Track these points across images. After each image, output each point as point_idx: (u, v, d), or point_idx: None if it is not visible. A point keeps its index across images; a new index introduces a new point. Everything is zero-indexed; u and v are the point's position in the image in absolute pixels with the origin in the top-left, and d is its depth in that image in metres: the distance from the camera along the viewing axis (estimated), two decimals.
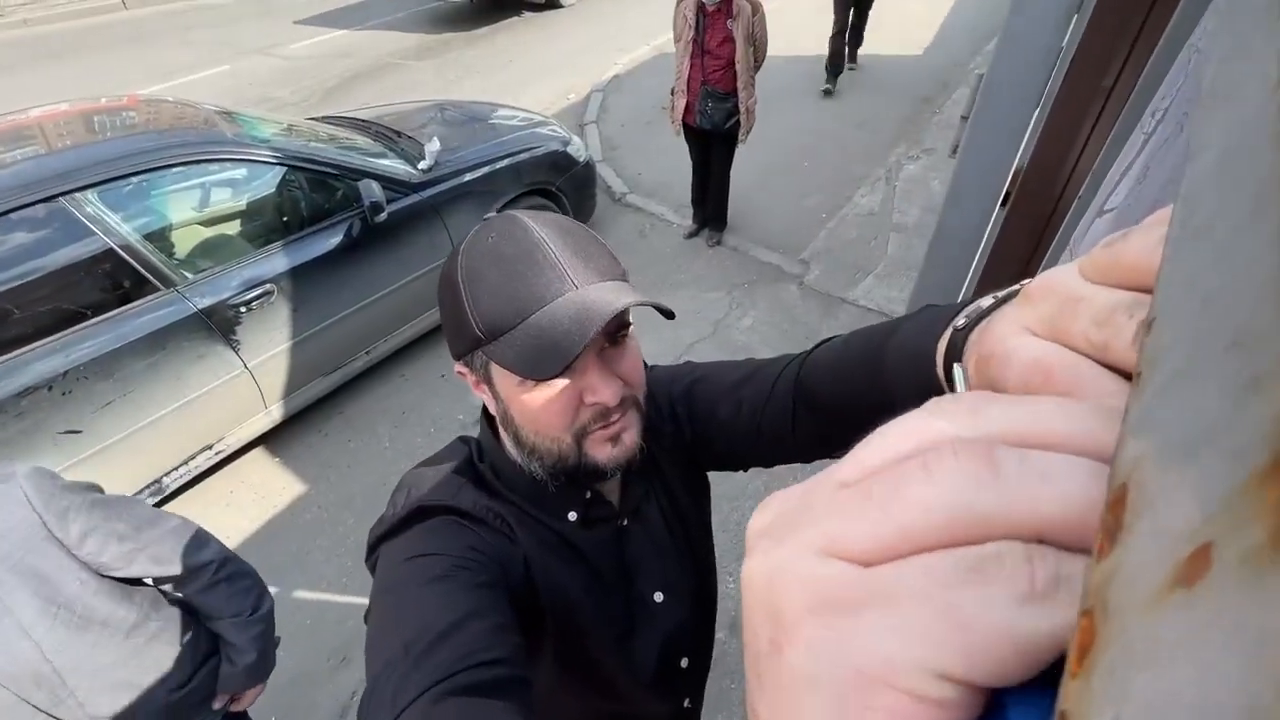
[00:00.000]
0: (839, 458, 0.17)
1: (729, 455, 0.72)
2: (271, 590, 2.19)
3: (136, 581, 1.08)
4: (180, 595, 1.13)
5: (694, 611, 0.76)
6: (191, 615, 1.15)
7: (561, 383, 0.55)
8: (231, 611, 1.14)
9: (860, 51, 5.66)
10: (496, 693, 0.46)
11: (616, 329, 0.57)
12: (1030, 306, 0.21)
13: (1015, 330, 0.21)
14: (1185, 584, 0.07)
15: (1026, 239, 1.53)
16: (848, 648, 0.14)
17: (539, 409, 0.57)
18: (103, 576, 1.02)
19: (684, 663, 0.77)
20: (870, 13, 5.37)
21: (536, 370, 0.51)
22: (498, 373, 0.57)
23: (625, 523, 0.71)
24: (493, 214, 0.60)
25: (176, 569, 1.07)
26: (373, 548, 0.62)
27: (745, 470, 0.74)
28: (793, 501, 0.17)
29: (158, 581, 1.11)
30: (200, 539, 1.12)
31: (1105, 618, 0.09)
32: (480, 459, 0.68)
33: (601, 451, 0.59)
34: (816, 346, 0.62)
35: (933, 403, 0.16)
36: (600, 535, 0.69)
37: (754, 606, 0.16)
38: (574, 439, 0.59)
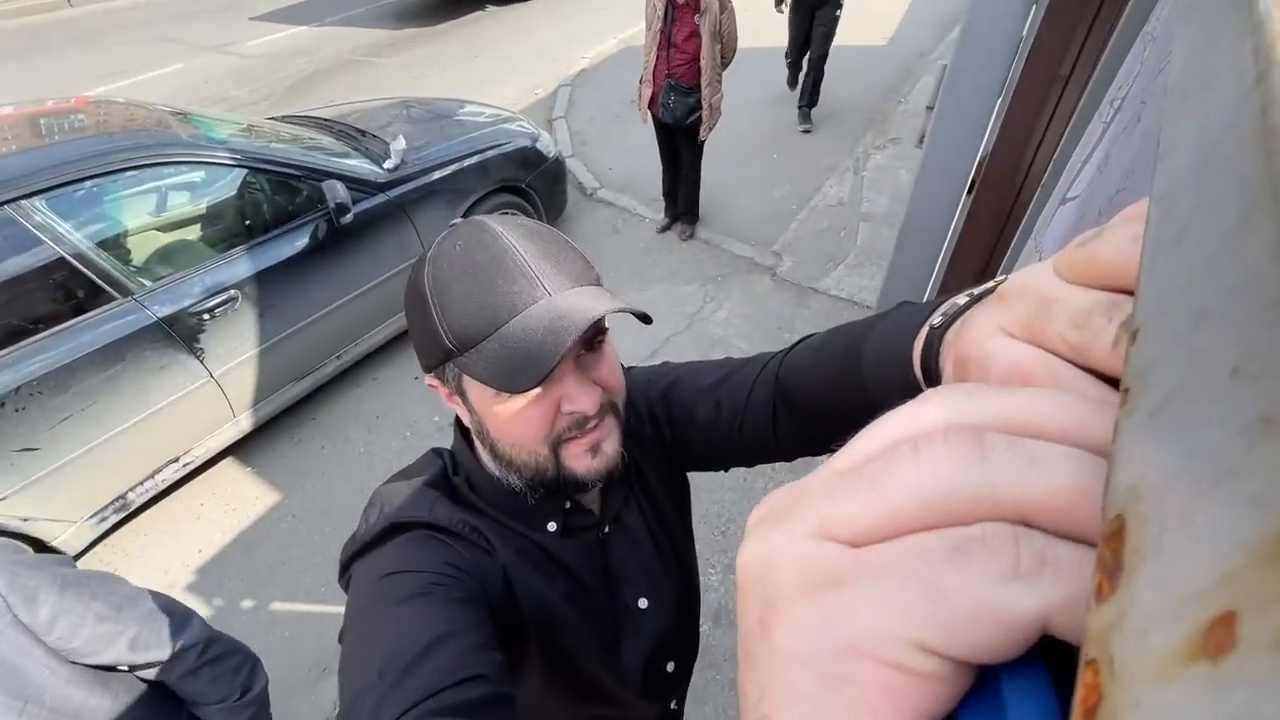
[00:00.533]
0: (826, 455, 0.17)
1: (709, 457, 0.72)
2: (248, 604, 2.15)
3: (111, 667, 0.99)
4: (161, 680, 1.03)
5: (678, 615, 0.75)
6: (174, 701, 1.05)
7: (537, 392, 0.54)
8: (218, 697, 1.05)
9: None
10: (480, 711, 0.45)
11: (593, 335, 0.56)
12: (1006, 307, 0.20)
13: (991, 331, 0.21)
14: (1209, 657, 0.07)
15: (991, 226, 1.56)
16: (833, 622, 0.14)
17: (514, 421, 0.55)
18: (74, 664, 0.93)
19: (670, 666, 0.76)
20: (832, 47, 4.50)
21: (512, 383, 0.50)
22: (471, 385, 0.56)
23: (607, 531, 0.70)
24: (459, 220, 0.58)
25: (157, 655, 0.99)
26: (345, 566, 0.60)
27: (726, 470, 0.74)
28: (790, 494, 0.17)
29: (134, 668, 1.02)
30: (182, 618, 1.04)
31: (1113, 677, 0.08)
32: (455, 472, 0.66)
33: (581, 463, 0.58)
34: (794, 346, 0.61)
35: (929, 392, 0.17)
36: (581, 544, 0.68)
37: (746, 590, 0.16)
38: (551, 449, 0.57)
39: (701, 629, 2.08)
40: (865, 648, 0.13)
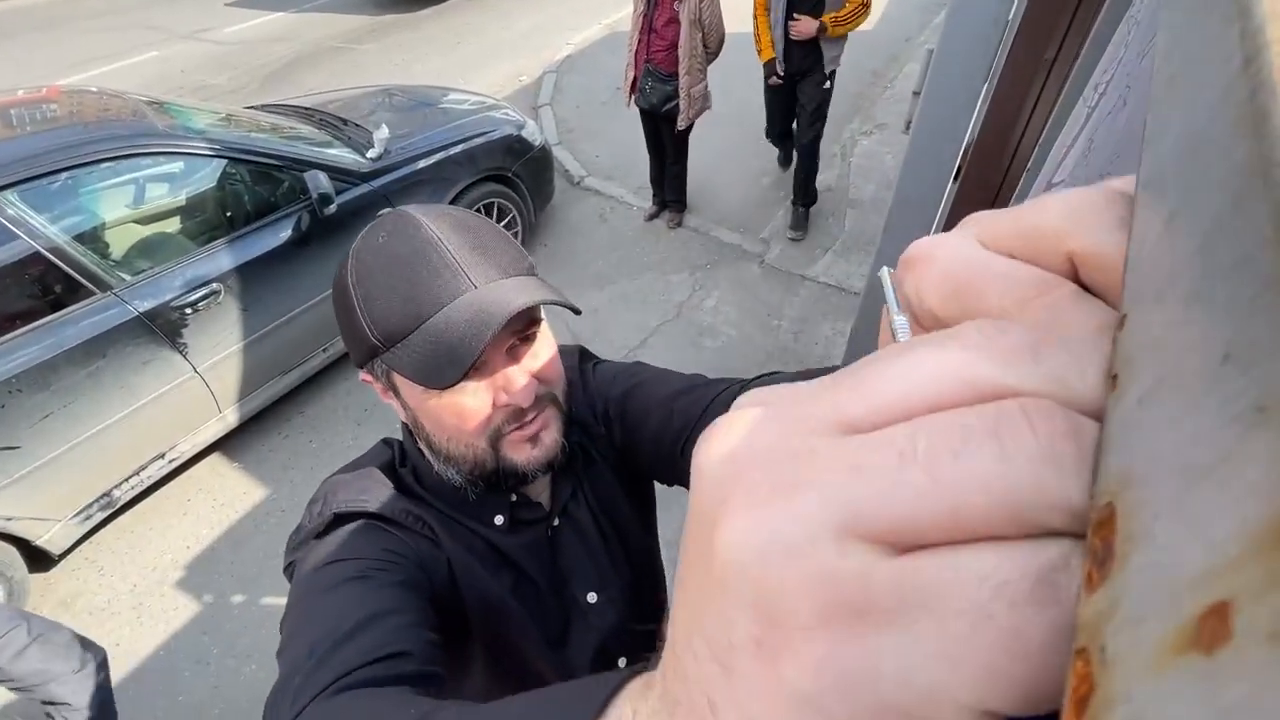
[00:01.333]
0: None
1: (653, 468, 0.70)
2: (239, 598, 2.14)
3: None
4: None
5: (630, 611, 0.74)
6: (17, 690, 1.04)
7: (471, 385, 0.53)
8: (59, 671, 1.04)
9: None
10: (400, 685, 0.44)
11: (527, 325, 0.55)
12: (912, 276, 0.16)
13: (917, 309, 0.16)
14: (1202, 648, 0.07)
15: (978, 210, 1.57)
16: (872, 673, 0.11)
17: (448, 416, 0.54)
18: None
19: (621, 663, 0.75)
20: (821, 146, 3.38)
21: (435, 378, 0.49)
22: (401, 381, 0.55)
23: (556, 524, 0.69)
24: (386, 210, 0.57)
25: None
26: (290, 557, 0.60)
27: (670, 485, 0.72)
28: (772, 433, 0.13)
29: None
30: None
31: (1104, 667, 0.08)
32: (402, 463, 0.65)
33: (520, 453, 0.57)
34: (759, 377, 0.60)
35: (969, 326, 0.13)
36: (529, 538, 0.67)
37: (732, 586, 0.13)
38: (489, 443, 0.56)
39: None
40: (917, 711, 0.10)
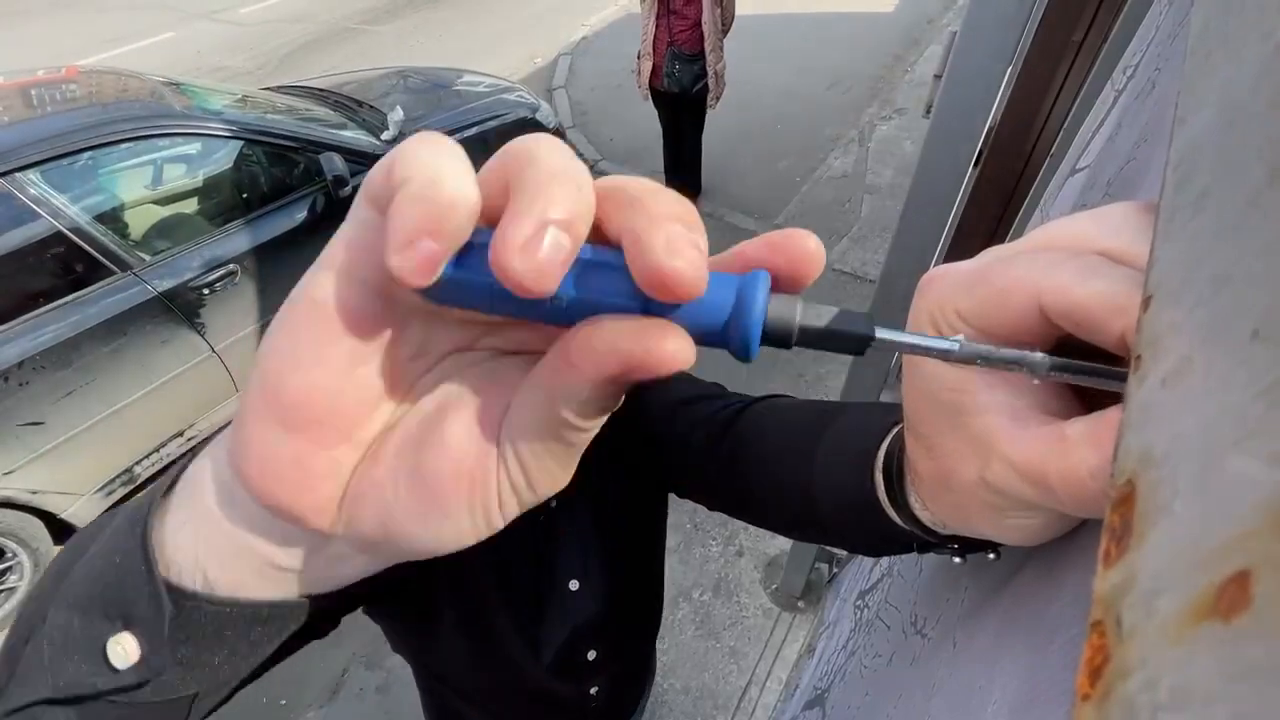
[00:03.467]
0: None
1: (649, 469, 0.69)
2: None
3: None
4: None
5: (611, 608, 0.73)
6: None
7: None
8: None
9: (830, 9, 5.34)
10: None
11: None
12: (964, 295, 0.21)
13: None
14: (1221, 616, 0.07)
15: (998, 198, 1.54)
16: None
17: None
18: None
19: (591, 655, 0.75)
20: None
21: None
22: None
23: (553, 504, 0.68)
24: None
25: None
26: None
27: (667, 493, 0.70)
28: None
29: None
30: None
31: (1120, 638, 0.08)
32: None
33: None
34: (767, 397, 0.59)
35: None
36: (524, 516, 0.67)
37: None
38: None
39: (701, 598, 2.12)
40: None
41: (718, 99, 3.19)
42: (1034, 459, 0.19)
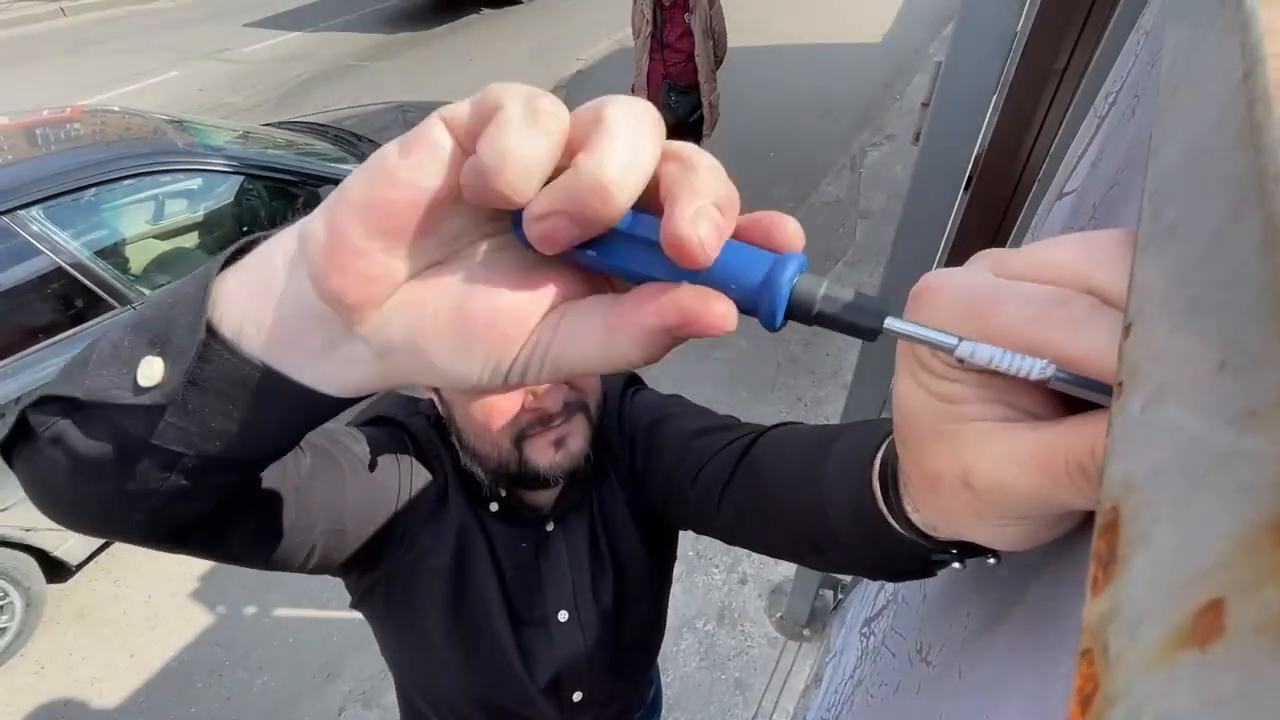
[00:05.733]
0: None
1: (662, 501, 0.67)
2: (250, 610, 2.15)
3: None
4: None
5: (600, 645, 0.71)
6: None
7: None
8: None
9: (819, 41, 5.53)
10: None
11: None
12: (928, 309, 0.22)
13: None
14: (1197, 643, 0.07)
15: (989, 221, 1.56)
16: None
17: (478, 412, 0.57)
18: None
19: (576, 696, 0.72)
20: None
21: None
22: None
23: (550, 529, 0.68)
24: None
25: None
26: None
27: (683, 529, 0.68)
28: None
29: None
30: None
31: (1107, 667, 0.08)
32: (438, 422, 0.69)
33: (544, 456, 0.58)
34: (776, 426, 0.58)
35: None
36: (518, 534, 0.67)
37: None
38: (513, 443, 0.57)
39: (705, 628, 2.08)
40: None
41: (712, 128, 3.25)
42: (1024, 450, 0.19)
